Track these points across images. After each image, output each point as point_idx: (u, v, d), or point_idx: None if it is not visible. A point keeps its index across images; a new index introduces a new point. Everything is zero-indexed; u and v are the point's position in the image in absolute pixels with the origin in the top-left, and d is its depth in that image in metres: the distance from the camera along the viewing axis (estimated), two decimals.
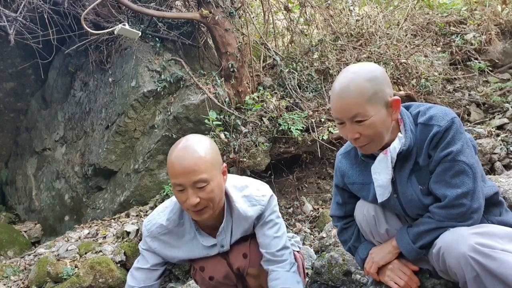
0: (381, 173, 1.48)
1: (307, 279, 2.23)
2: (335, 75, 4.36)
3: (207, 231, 1.72)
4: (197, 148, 1.52)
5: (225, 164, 1.62)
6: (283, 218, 3.62)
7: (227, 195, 1.68)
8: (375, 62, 3.51)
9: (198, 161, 1.49)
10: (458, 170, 1.38)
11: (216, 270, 1.76)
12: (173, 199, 1.71)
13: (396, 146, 1.45)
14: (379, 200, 1.52)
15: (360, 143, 1.46)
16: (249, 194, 1.72)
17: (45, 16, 4.17)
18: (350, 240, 1.75)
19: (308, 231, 3.47)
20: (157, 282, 1.79)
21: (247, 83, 4.24)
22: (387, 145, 1.47)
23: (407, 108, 1.55)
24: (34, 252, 3.66)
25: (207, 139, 1.60)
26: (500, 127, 3.97)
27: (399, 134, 1.47)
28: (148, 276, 1.75)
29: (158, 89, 4.07)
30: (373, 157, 1.53)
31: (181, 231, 1.71)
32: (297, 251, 1.98)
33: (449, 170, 1.39)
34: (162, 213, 1.72)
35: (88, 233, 3.74)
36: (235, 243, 1.77)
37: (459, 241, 1.31)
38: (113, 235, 3.55)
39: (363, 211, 1.64)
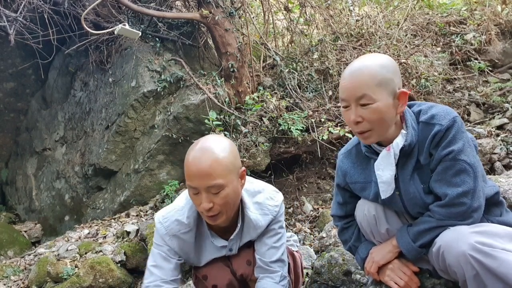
0: (385, 169, 1.48)
1: (307, 279, 2.24)
2: (335, 75, 4.36)
3: (218, 232, 1.68)
4: (214, 151, 1.44)
5: (243, 168, 1.55)
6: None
7: (241, 199, 1.62)
8: None
9: (214, 165, 1.42)
10: (459, 169, 1.39)
11: (219, 278, 1.71)
12: (188, 196, 1.63)
13: (399, 142, 1.45)
14: (383, 197, 1.52)
15: (361, 128, 1.45)
16: (262, 202, 1.67)
17: (45, 16, 4.17)
18: (350, 239, 1.75)
19: (308, 231, 3.47)
20: (180, 276, 1.69)
21: (247, 83, 4.24)
22: (390, 142, 1.47)
23: (409, 106, 1.55)
24: (34, 252, 3.66)
25: (226, 141, 1.52)
26: (500, 127, 3.97)
27: (402, 131, 1.47)
28: (173, 266, 1.64)
29: (158, 89, 4.07)
30: (376, 154, 1.53)
31: (198, 230, 1.66)
32: (296, 251, 1.99)
33: (449, 169, 1.40)
34: (181, 211, 1.64)
35: (88, 233, 3.74)
36: (239, 248, 1.74)
37: (459, 240, 1.31)
38: (113, 235, 3.55)
39: (363, 210, 1.64)
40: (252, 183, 1.72)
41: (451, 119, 1.40)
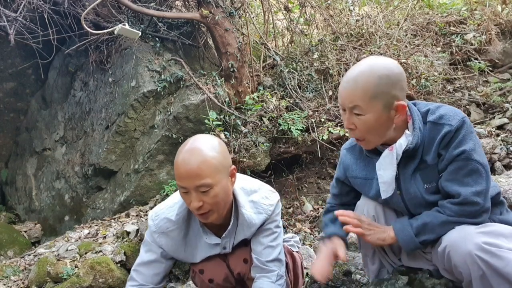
0: (386, 169, 1.48)
1: (306, 279, 2.23)
2: (335, 75, 4.37)
3: (212, 229, 1.70)
4: (203, 151, 1.46)
5: (233, 167, 1.57)
6: (283, 218, 3.63)
7: (235, 197, 1.63)
8: None
9: (202, 165, 1.44)
10: (471, 169, 1.38)
11: (215, 273, 1.73)
12: None
13: (403, 143, 1.44)
14: (383, 197, 1.51)
15: (353, 135, 1.49)
16: (257, 200, 1.68)
17: (45, 16, 4.16)
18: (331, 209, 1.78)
19: (308, 231, 3.47)
20: (163, 283, 1.72)
21: (247, 83, 4.24)
22: (394, 141, 1.47)
23: (414, 105, 1.54)
24: (34, 252, 3.66)
25: (215, 140, 1.54)
26: (500, 127, 3.97)
27: (407, 131, 1.46)
28: (156, 271, 1.68)
29: (158, 89, 4.06)
30: (377, 153, 1.53)
31: (188, 227, 1.68)
32: (296, 251, 1.99)
33: (462, 169, 1.39)
34: (171, 208, 1.66)
35: (88, 233, 3.73)
36: (236, 246, 1.75)
37: (466, 240, 1.31)
38: (113, 235, 3.55)
39: (363, 211, 1.64)
40: (248, 182, 1.73)
41: (460, 120, 1.40)
